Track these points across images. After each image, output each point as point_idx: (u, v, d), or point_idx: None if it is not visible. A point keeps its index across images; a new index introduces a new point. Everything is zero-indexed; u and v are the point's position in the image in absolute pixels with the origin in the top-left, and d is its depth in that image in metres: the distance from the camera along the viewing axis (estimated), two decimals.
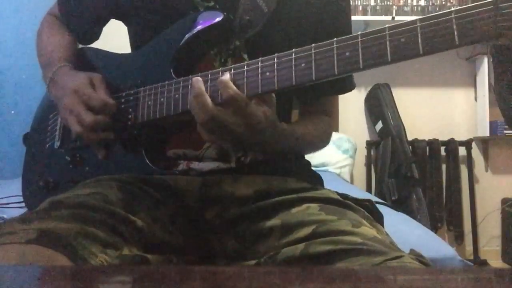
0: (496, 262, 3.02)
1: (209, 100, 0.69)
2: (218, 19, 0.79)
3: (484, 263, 2.94)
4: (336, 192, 0.83)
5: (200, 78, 0.71)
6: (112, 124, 0.82)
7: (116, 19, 0.97)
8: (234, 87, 0.68)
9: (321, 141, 0.94)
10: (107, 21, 0.99)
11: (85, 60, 0.96)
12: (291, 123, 0.91)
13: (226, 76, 0.69)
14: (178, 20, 0.82)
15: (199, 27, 0.79)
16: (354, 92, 0.97)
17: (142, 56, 0.87)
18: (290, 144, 0.82)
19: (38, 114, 1.05)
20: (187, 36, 0.80)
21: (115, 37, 1.20)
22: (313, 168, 0.94)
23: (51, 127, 0.98)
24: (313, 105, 0.95)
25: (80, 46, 1.02)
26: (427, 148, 3.05)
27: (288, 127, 0.80)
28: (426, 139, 3.06)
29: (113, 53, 0.95)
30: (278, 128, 0.75)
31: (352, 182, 2.97)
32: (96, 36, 1.02)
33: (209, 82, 0.72)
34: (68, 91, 0.83)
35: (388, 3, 3.00)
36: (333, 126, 0.98)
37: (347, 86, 0.95)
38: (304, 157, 0.94)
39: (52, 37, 0.99)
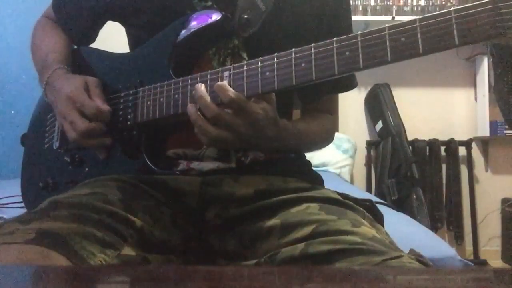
0: (496, 262, 3.02)
1: (210, 101, 0.70)
2: (215, 18, 0.78)
3: (484, 263, 2.94)
4: (336, 192, 0.83)
5: (202, 84, 0.72)
6: (107, 129, 0.82)
7: (113, 20, 0.95)
8: (232, 90, 0.69)
9: (325, 139, 0.95)
10: (103, 23, 0.98)
11: (82, 60, 0.95)
12: (293, 120, 0.91)
13: (222, 82, 0.70)
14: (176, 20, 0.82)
15: (194, 26, 0.79)
16: (354, 92, 0.97)
17: (140, 56, 0.87)
18: (292, 141, 0.82)
19: (36, 115, 1.05)
20: (181, 35, 0.80)
21: (114, 37, 1.20)
22: (313, 168, 0.93)
23: (50, 127, 0.98)
24: (315, 103, 0.95)
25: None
26: (427, 148, 3.05)
27: (289, 124, 0.80)
28: (426, 139, 3.06)
29: (110, 52, 0.94)
30: (279, 124, 0.75)
31: (352, 182, 2.98)
32: (92, 38, 1.00)
33: (208, 82, 0.72)
34: (63, 97, 0.82)
35: (388, 3, 3.00)
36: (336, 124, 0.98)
37: (349, 84, 0.95)
38: (304, 156, 0.94)
39: (46, 40, 0.98)
